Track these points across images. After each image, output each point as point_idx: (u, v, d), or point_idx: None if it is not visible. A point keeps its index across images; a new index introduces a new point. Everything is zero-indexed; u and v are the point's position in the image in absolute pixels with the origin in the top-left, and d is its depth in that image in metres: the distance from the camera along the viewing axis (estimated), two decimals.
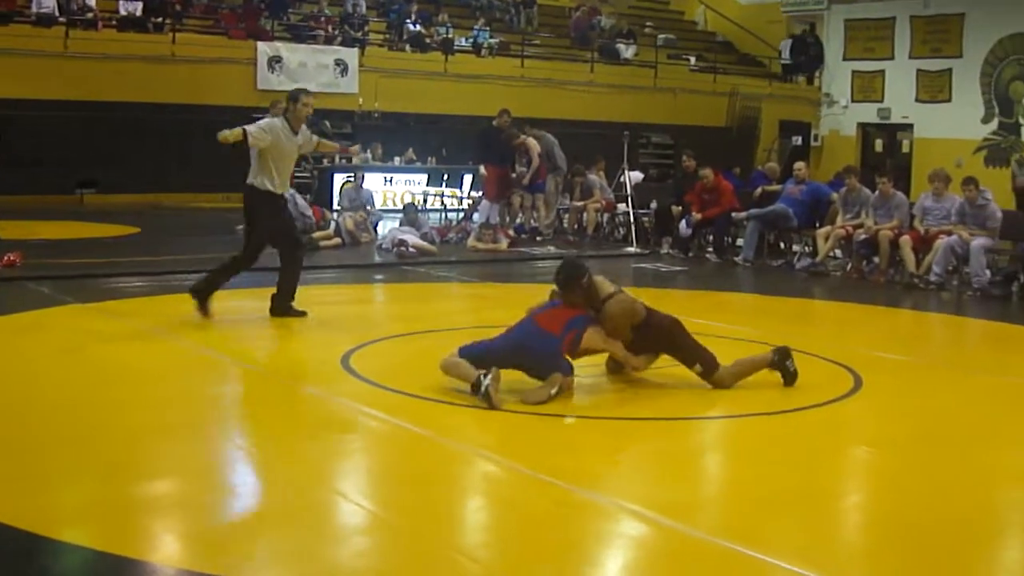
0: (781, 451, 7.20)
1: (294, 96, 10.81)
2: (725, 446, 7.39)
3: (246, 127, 10.55)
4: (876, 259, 15.84)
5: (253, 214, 10.97)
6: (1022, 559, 5.64)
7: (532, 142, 19.36)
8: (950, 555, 5.37)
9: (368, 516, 5.70)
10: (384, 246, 16.81)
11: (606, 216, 20.50)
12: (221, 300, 11.01)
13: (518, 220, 20.16)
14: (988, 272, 14.74)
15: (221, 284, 10.91)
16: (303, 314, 10.98)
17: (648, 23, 34.71)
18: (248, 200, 10.97)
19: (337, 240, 17.24)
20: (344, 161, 24.12)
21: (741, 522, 5.75)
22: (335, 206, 21.31)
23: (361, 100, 25.59)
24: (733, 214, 17.85)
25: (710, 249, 18.00)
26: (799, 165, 18.32)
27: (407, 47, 27.63)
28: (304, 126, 10.96)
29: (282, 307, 10.96)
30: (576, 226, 20.37)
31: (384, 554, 5.21)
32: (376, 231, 18.24)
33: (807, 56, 33.26)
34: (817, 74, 33.08)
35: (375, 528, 5.56)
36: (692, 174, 18.53)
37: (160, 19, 25.02)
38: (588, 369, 8.74)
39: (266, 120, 10.88)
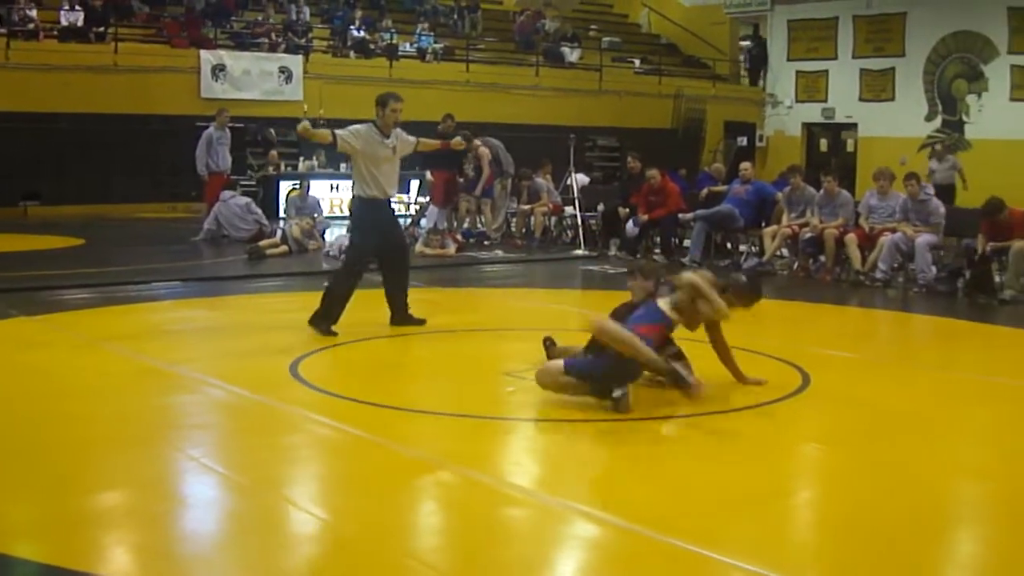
0: (731, 450, 7.23)
1: (382, 101, 10.75)
2: (676, 446, 7.41)
3: (336, 130, 10.74)
4: (822, 257, 15.95)
5: (355, 222, 11.20)
6: (973, 553, 5.68)
7: (484, 151, 19.41)
8: (902, 551, 5.41)
9: (320, 524, 5.67)
10: (332, 253, 16.73)
11: (553, 219, 20.52)
12: (168, 311, 10.94)
13: (466, 225, 20.16)
14: (934, 268, 14.86)
15: (339, 308, 10.78)
16: (423, 322, 11.03)
17: (592, 26, 34.79)
18: (352, 209, 11.24)
19: (284, 248, 17.18)
20: (289, 168, 24.09)
21: (694, 522, 5.76)
22: (281, 214, 21.27)
23: (306, 107, 25.44)
24: (680, 215, 17.92)
25: (657, 250, 18.06)
26: (745, 165, 18.41)
27: (351, 53, 27.56)
28: (400, 130, 10.90)
29: (400, 317, 11.04)
30: (524, 230, 20.38)
31: (337, 562, 5.18)
32: (323, 238, 18.18)
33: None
34: (761, 75, 33.26)
35: (327, 536, 5.53)
36: (638, 176, 18.60)
37: (102, 29, 24.83)
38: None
39: (356, 126, 10.81)
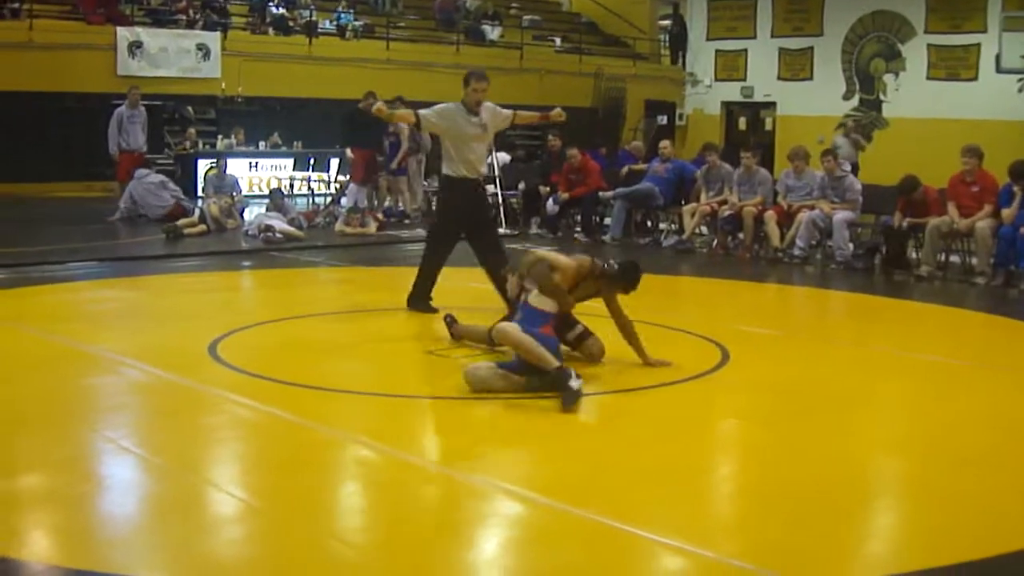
0: (652, 426, 7.27)
1: (465, 80, 10.65)
2: (596, 422, 7.43)
3: (420, 111, 10.60)
4: (741, 235, 16.08)
5: (443, 203, 11.14)
6: (890, 525, 5.77)
7: (404, 126, 19.33)
8: (820, 523, 5.47)
9: (240, 505, 5.63)
10: (250, 232, 16.64)
11: None
12: (84, 291, 10.80)
13: (387, 203, 20.10)
14: (851, 245, 15.05)
15: (430, 286, 10.71)
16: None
17: (513, 4, 34.74)
18: (440, 188, 11.18)
19: (202, 227, 17.02)
20: (207, 147, 23.87)
21: (615, 497, 5.79)
22: (200, 193, 21.09)
23: (224, 85, 25.25)
24: (600, 193, 17.99)
25: (578, 228, 18.12)
26: (664, 144, 18.51)
27: (270, 30, 27.31)
28: (493, 105, 10.74)
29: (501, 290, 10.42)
30: None
31: (258, 542, 5.16)
32: (242, 217, 18.05)
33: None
34: (681, 54, 33.39)
35: (248, 516, 5.50)
36: (559, 154, 18.64)
37: (16, 5, 24.41)
38: (460, 351, 8.78)
39: (443, 105, 10.68)
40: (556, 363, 7.60)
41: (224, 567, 4.84)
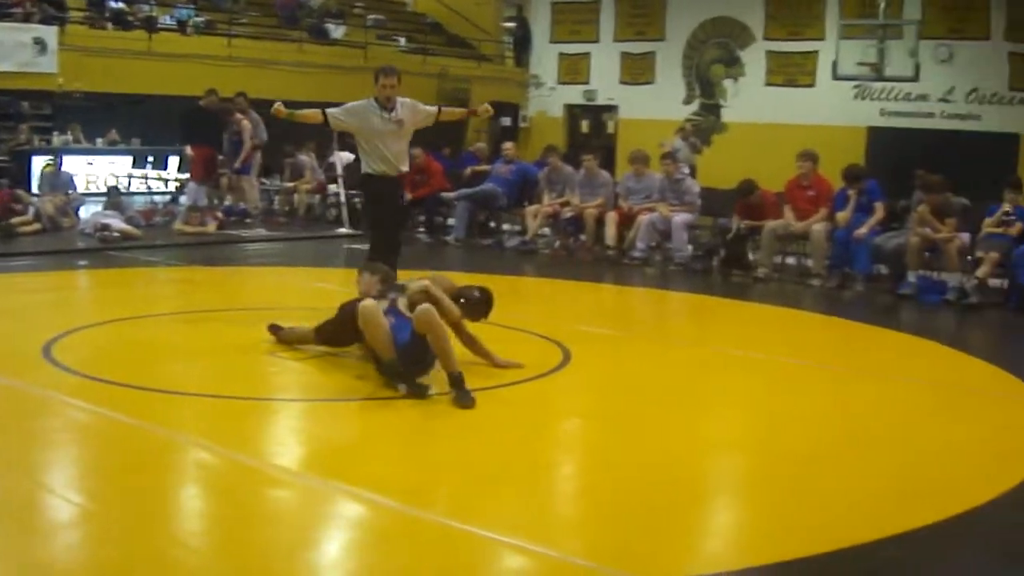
0: (493, 425, 7.29)
1: (375, 76, 10.53)
2: (438, 423, 7.41)
3: (327, 109, 10.44)
4: (583, 236, 16.21)
5: (370, 199, 10.99)
6: (729, 522, 5.87)
7: (246, 123, 19.11)
8: (661, 520, 5.55)
9: (76, 509, 5.51)
10: (87, 231, 16.29)
11: (317, 197, 20.36)
12: None
13: (227, 202, 19.86)
14: (690, 247, 15.28)
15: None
16: None
17: (357, 3, 34.50)
18: (364, 188, 11.09)
19: (37, 225, 16.60)
20: (42, 143, 23.32)
21: (456, 498, 5.81)
22: (35, 190, 20.58)
23: (61, 80, 24.65)
24: (443, 194, 17.99)
25: (421, 229, 18.10)
26: (507, 145, 18.62)
27: (109, 25, 26.76)
28: (413, 101, 10.59)
29: None
30: (287, 207, 20.16)
31: (95, 548, 5.04)
32: (78, 215, 17.65)
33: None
34: (525, 56, 33.52)
35: (84, 521, 5.37)
36: None
37: None
38: (297, 352, 8.73)
39: (353, 102, 10.51)
40: (391, 355, 7.78)
41: (61, 572, 4.73)
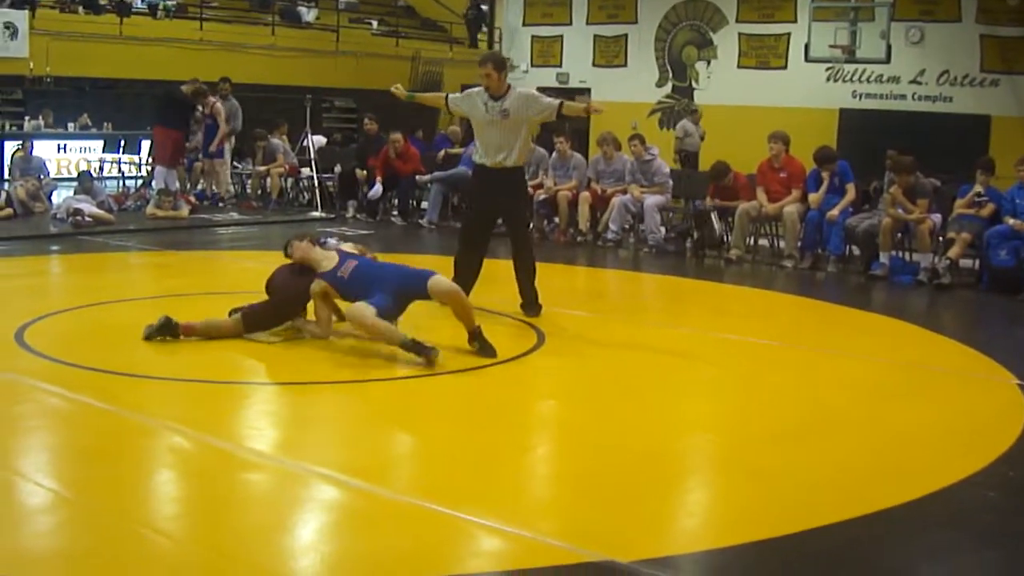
0: (469, 408, 7.32)
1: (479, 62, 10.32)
2: (414, 405, 7.43)
3: (448, 94, 10.51)
4: (556, 219, 16.22)
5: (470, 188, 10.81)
6: (704, 502, 5.90)
7: (219, 106, 19.07)
8: (636, 501, 5.57)
9: (50, 495, 5.48)
10: (59, 216, 16.22)
11: (290, 181, 20.31)
12: None
13: (200, 187, 19.80)
14: (663, 229, 15.32)
15: (464, 280, 9.91)
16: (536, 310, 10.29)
17: None
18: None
19: (9, 211, 16.52)
20: (13, 128, 23.21)
21: (432, 480, 5.83)
22: (6, 176, 20.48)
23: (32, 64, 24.54)
24: (417, 177, 17.97)
25: (395, 212, 18.08)
26: None
27: (80, 9, 26.64)
28: (530, 92, 10.27)
29: (525, 302, 10.35)
30: (259, 191, 20.12)
31: (70, 534, 5.04)
32: (50, 200, 17.58)
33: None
34: (497, 39, 33.47)
35: (59, 507, 5.36)
36: (375, 138, 18.55)
37: None
38: (274, 335, 8.72)
39: (470, 88, 10.34)
40: (403, 337, 8.09)
41: (35, 559, 4.72)
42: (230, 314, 8.84)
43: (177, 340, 8.54)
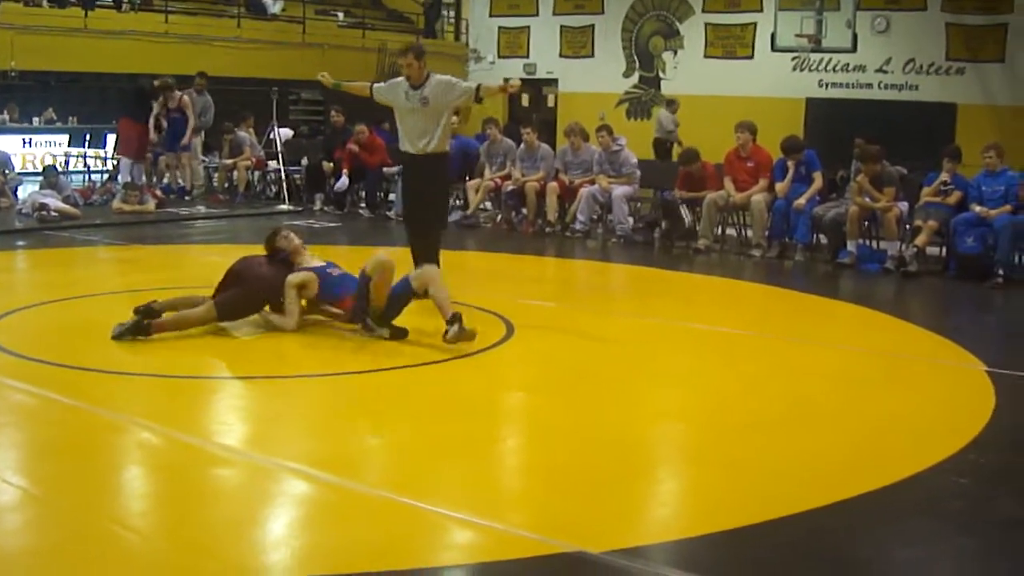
0: (438, 400, 7.31)
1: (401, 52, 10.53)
2: (383, 397, 7.42)
3: (373, 83, 10.70)
4: (524, 210, 16.22)
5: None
6: (675, 491, 5.92)
7: (187, 100, 19.00)
8: (606, 491, 5.57)
9: (18, 492, 5.44)
10: (24, 211, 16.14)
11: (257, 174, 20.25)
12: None
13: (165, 180, 19.70)
14: (631, 219, 15.33)
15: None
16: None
17: None
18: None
19: None
20: None
21: (402, 473, 5.82)
22: None
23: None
24: (384, 169, 17.92)
25: (363, 204, 18.04)
26: (452, 119, 18.53)
27: (44, 2, 26.46)
28: (448, 78, 10.41)
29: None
30: (227, 185, 20.04)
31: (37, 531, 5.00)
32: (15, 195, 17.47)
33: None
34: (464, 30, 33.44)
35: (26, 504, 5.32)
36: (342, 130, 18.50)
37: None
38: (243, 329, 8.69)
39: (396, 78, 10.50)
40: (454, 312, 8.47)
41: (2, 557, 4.68)
42: (138, 311, 8.62)
43: (149, 339, 8.47)
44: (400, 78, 10.40)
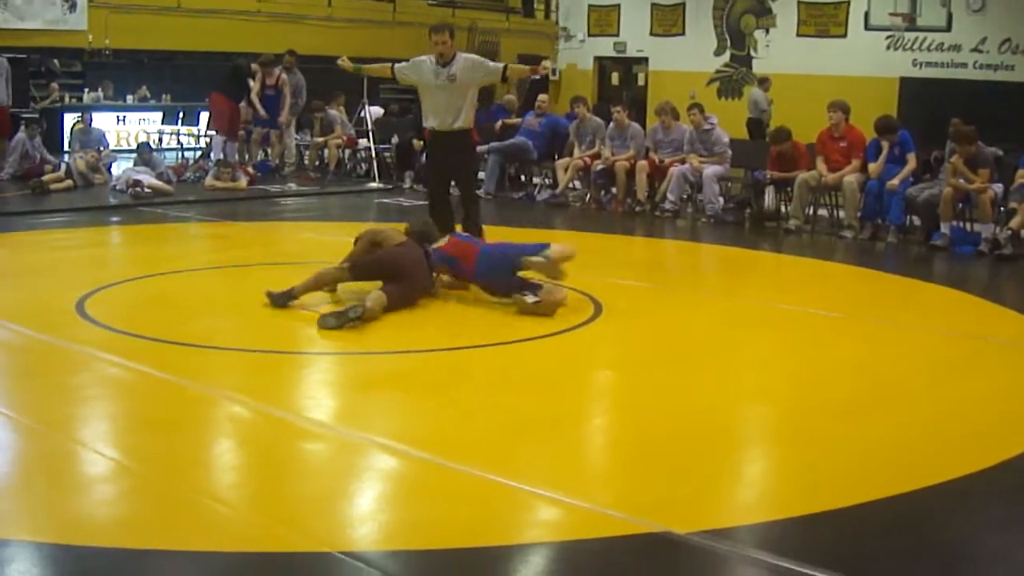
0: (525, 378, 7.32)
1: (429, 33, 10.67)
2: (473, 375, 7.45)
3: (395, 64, 10.79)
4: (614, 189, 16.17)
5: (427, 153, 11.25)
6: (762, 473, 5.87)
7: (284, 77, 19.14)
8: (694, 472, 5.55)
9: (111, 464, 5.53)
10: (118, 187, 16.35)
11: (347, 152, 20.36)
12: None
13: (259, 157, 19.87)
14: (721, 199, 15.23)
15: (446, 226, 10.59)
16: None
17: None
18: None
19: (69, 182, 16.67)
20: (73, 101, 23.35)
21: (492, 450, 5.82)
22: (66, 147, 20.64)
23: (91, 37, 24.67)
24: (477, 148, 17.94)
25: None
26: (542, 98, 18.64)
27: None
28: (475, 57, 10.79)
29: None
30: (317, 163, 20.17)
31: (129, 502, 5.08)
32: (110, 172, 17.71)
33: None
34: (555, 8, 33.36)
35: (119, 476, 5.40)
36: None
37: None
38: (329, 306, 8.73)
39: (417, 57, 10.75)
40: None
41: (95, 527, 4.76)
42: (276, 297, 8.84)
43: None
44: (423, 57, 10.64)
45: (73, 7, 25.02)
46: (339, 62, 11.13)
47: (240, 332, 8.32)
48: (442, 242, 9.40)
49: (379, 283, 8.74)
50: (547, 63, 11.02)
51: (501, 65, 10.89)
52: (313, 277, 8.93)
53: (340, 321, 8.07)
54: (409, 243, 9.17)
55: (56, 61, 24.33)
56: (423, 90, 10.68)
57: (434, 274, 9.27)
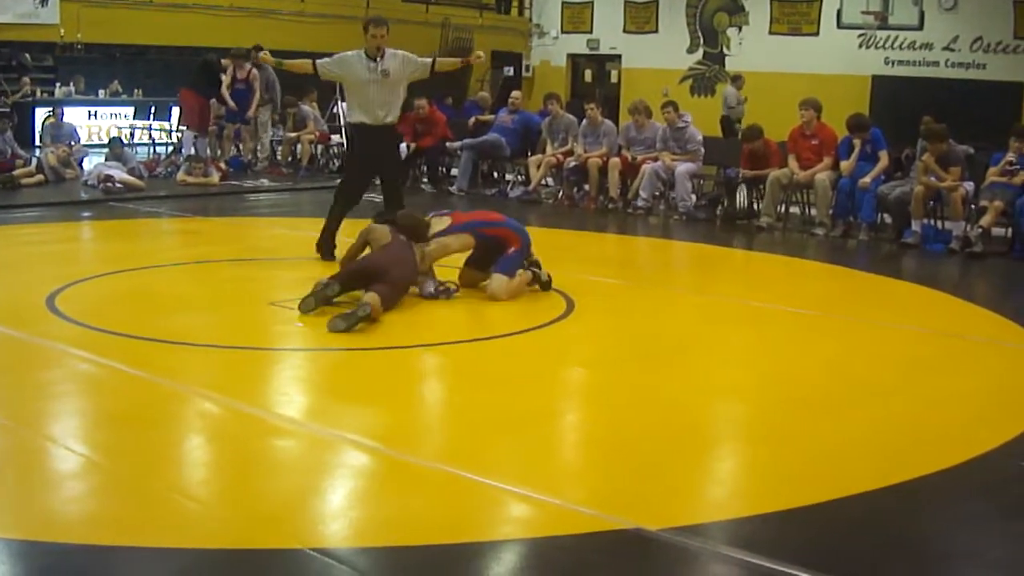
0: (498, 375, 7.31)
1: (364, 26, 10.72)
2: (441, 371, 7.45)
3: (317, 60, 10.71)
4: (587, 186, 16.18)
5: (348, 149, 11.07)
6: (731, 468, 5.89)
7: (255, 72, 19.08)
8: (665, 468, 5.56)
9: (81, 460, 5.52)
10: (90, 182, 16.28)
11: (320, 148, 20.32)
12: None
13: (232, 153, 19.81)
14: (693, 197, 15.26)
15: (335, 227, 10.80)
16: None
17: None
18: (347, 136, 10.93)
19: (40, 177, 16.58)
20: (44, 95, 23.24)
21: (462, 447, 5.83)
22: (37, 142, 20.54)
23: (63, 31, 24.56)
24: (447, 144, 17.94)
25: (425, 179, 18.07)
26: (515, 94, 18.63)
27: None
28: (404, 52, 10.78)
29: None
30: (290, 158, 20.13)
31: (100, 498, 5.06)
32: (81, 167, 17.63)
33: None
34: (528, 4, 33.36)
35: (89, 472, 5.38)
36: (405, 104, 18.48)
37: None
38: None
39: (344, 52, 10.73)
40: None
41: (66, 524, 4.74)
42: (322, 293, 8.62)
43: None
44: (350, 52, 10.68)
45: (45, 1, 24.89)
46: (260, 55, 11.20)
47: (212, 328, 8.30)
48: (440, 226, 9.37)
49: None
50: (480, 52, 11.22)
51: (430, 60, 10.94)
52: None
53: (349, 323, 7.94)
54: (394, 242, 9.05)
55: (28, 55, 24.22)
56: (351, 85, 10.72)
57: (434, 274, 9.23)
